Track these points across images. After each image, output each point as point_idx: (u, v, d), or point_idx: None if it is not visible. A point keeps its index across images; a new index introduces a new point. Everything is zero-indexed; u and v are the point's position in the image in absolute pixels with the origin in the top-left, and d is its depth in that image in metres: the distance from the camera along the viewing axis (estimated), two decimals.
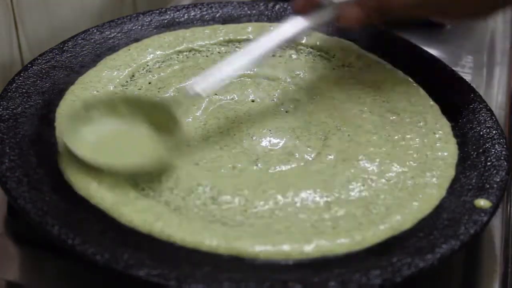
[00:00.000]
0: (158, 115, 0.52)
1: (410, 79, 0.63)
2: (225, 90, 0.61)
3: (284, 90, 0.62)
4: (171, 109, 0.51)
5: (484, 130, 0.57)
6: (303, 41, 0.67)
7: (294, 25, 0.57)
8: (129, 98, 0.54)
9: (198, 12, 0.70)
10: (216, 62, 0.58)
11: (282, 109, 0.60)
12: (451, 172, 0.53)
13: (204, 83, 0.53)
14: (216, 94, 0.60)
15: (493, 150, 0.54)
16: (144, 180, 0.50)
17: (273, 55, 0.65)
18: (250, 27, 0.68)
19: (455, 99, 0.61)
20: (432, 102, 0.61)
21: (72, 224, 0.45)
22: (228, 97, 0.61)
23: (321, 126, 0.58)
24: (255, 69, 0.64)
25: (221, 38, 0.67)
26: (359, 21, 0.56)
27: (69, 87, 0.59)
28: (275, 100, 0.61)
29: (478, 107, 0.59)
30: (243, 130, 0.57)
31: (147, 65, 0.63)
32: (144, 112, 0.52)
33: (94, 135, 0.51)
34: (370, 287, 0.42)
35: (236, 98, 0.61)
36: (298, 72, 0.64)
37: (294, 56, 0.66)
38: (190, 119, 0.57)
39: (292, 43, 0.64)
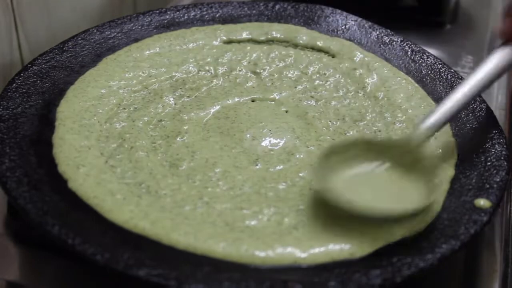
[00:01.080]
0: (399, 155, 0.50)
1: (411, 79, 0.63)
2: (224, 91, 0.61)
3: (285, 90, 0.62)
4: (413, 147, 0.50)
5: (484, 130, 0.57)
6: (302, 42, 0.67)
7: (503, 57, 0.54)
8: (365, 139, 0.52)
9: (198, 12, 0.70)
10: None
11: (282, 109, 0.60)
12: (451, 172, 0.53)
13: (432, 118, 0.51)
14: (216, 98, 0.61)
15: (493, 150, 0.54)
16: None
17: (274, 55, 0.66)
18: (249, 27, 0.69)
19: None
20: (432, 102, 0.61)
21: (72, 224, 0.45)
22: (229, 98, 0.61)
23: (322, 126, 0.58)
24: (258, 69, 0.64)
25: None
26: None
27: (69, 87, 0.59)
28: (275, 100, 0.61)
29: (478, 107, 0.59)
30: (243, 130, 0.57)
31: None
32: (379, 152, 0.51)
33: (343, 181, 0.49)
34: (370, 287, 0.42)
35: (236, 98, 0.61)
36: (298, 72, 0.64)
37: (295, 55, 0.66)
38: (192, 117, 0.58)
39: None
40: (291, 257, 0.45)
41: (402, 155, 0.51)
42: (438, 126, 0.52)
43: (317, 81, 0.64)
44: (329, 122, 0.59)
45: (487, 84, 0.54)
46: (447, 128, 0.57)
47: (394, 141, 0.54)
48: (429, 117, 0.52)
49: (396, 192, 0.49)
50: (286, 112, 0.60)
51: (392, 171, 0.50)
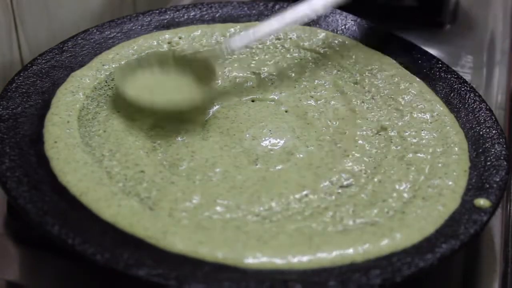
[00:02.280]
0: (199, 67, 0.60)
1: (417, 78, 0.63)
2: (223, 91, 0.61)
3: (285, 89, 0.62)
4: (210, 62, 0.59)
5: (484, 130, 0.57)
6: (306, 44, 0.67)
7: None
8: (175, 54, 0.61)
9: (198, 12, 0.70)
10: None
11: (282, 108, 0.60)
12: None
13: (239, 41, 0.60)
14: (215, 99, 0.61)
15: (493, 150, 0.54)
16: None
17: (275, 54, 0.66)
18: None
19: (454, 99, 0.61)
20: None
21: (72, 224, 0.45)
22: (228, 98, 0.61)
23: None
24: (254, 67, 0.64)
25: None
26: None
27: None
28: (275, 100, 0.61)
29: (478, 107, 0.59)
30: (242, 130, 0.57)
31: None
32: (188, 65, 0.60)
33: (142, 81, 0.59)
34: (370, 287, 0.42)
35: (236, 98, 0.61)
36: (299, 73, 0.64)
37: (295, 55, 0.66)
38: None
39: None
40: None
41: (200, 67, 0.60)
42: (239, 49, 0.63)
43: (317, 81, 0.64)
44: (328, 122, 0.59)
45: (302, 16, 0.62)
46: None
47: (196, 56, 0.62)
48: (234, 40, 0.60)
49: (180, 93, 0.59)
50: (286, 112, 0.60)
51: (187, 79, 0.60)
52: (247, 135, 0.57)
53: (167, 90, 0.59)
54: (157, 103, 0.57)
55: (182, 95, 0.58)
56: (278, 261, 0.45)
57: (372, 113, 0.59)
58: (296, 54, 0.67)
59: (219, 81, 0.62)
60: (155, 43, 0.65)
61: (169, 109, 0.57)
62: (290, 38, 0.68)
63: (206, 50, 0.64)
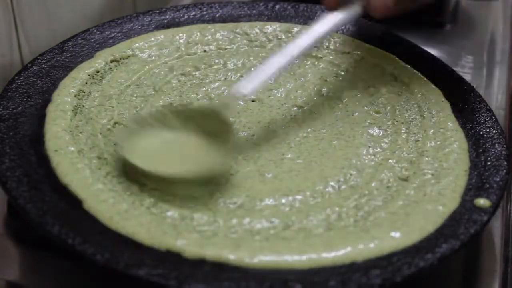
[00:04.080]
0: (209, 122, 0.52)
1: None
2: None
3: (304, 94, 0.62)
4: (221, 114, 0.52)
5: (484, 130, 0.57)
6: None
7: (327, 21, 0.57)
8: (178, 109, 0.54)
9: (198, 12, 0.70)
10: None
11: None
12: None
13: (249, 84, 0.53)
14: None
15: (493, 150, 0.54)
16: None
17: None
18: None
19: (454, 99, 0.61)
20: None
21: (72, 224, 0.45)
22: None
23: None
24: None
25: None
26: (389, 9, 0.56)
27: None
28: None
29: (478, 107, 0.59)
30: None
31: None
32: (195, 121, 0.53)
33: (148, 148, 0.51)
34: (370, 287, 0.42)
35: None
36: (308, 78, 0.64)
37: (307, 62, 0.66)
38: None
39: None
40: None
41: (210, 122, 0.52)
42: (251, 93, 0.54)
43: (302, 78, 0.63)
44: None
45: (310, 46, 0.56)
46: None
47: (203, 108, 0.56)
48: (243, 85, 0.53)
49: (195, 157, 0.51)
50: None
51: (198, 137, 0.52)
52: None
53: (179, 154, 0.52)
54: (175, 173, 0.49)
55: (199, 159, 0.51)
56: (278, 261, 0.45)
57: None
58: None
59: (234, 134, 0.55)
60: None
61: (188, 177, 0.50)
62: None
63: (213, 103, 0.59)
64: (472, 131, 0.57)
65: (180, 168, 0.50)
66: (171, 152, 0.52)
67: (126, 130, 0.53)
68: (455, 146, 0.55)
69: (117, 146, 0.52)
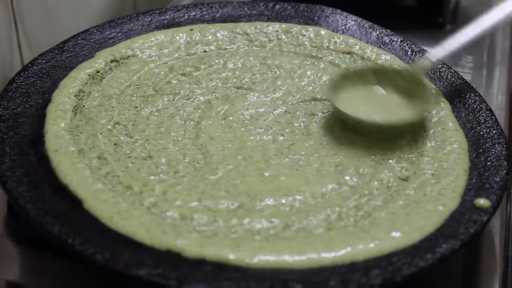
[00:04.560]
0: (404, 82, 0.59)
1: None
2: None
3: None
4: (417, 75, 0.59)
5: (484, 130, 0.57)
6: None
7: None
8: (377, 67, 0.61)
9: (198, 12, 0.70)
10: None
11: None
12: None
13: (442, 51, 0.60)
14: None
15: (493, 150, 0.54)
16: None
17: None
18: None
19: (455, 99, 0.61)
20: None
21: (72, 224, 0.45)
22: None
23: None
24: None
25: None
26: None
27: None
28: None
29: (478, 107, 0.59)
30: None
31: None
32: (392, 80, 0.60)
33: (350, 98, 0.58)
34: (370, 287, 0.42)
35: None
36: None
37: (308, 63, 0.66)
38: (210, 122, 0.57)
39: None
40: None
41: (404, 82, 0.59)
42: (443, 58, 0.61)
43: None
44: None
45: (489, 33, 0.62)
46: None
47: (399, 69, 0.61)
48: (436, 50, 0.60)
49: (391, 109, 0.58)
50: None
51: (392, 93, 0.59)
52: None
53: (377, 107, 0.58)
54: (377, 120, 0.56)
55: (396, 111, 0.57)
56: (278, 261, 0.45)
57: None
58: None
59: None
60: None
61: (390, 124, 0.56)
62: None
63: (408, 66, 0.63)
64: (472, 131, 0.57)
65: (377, 116, 0.56)
66: (369, 104, 0.58)
67: (332, 82, 0.59)
68: (455, 146, 0.55)
69: (326, 94, 0.59)
